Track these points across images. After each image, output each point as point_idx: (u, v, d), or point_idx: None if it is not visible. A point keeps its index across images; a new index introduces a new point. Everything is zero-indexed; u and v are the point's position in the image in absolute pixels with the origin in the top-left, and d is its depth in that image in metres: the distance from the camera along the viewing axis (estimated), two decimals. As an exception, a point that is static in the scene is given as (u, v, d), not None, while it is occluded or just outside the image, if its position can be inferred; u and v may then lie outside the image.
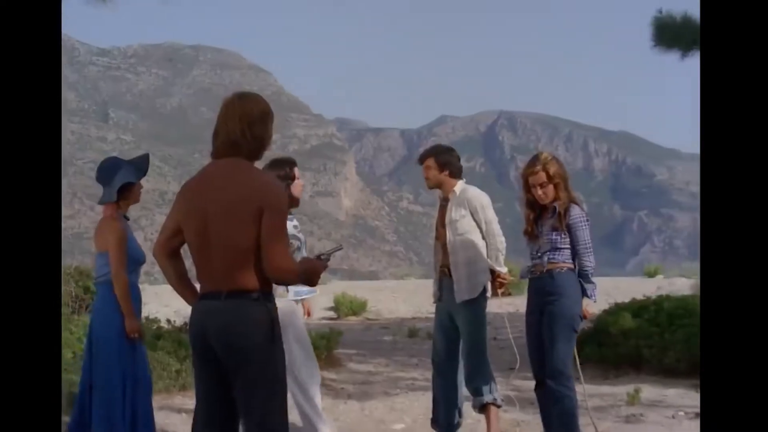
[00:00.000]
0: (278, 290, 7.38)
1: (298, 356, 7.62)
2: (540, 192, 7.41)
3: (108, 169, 7.47)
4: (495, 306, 8.30)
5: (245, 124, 4.98)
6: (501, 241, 8.16)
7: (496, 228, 8.15)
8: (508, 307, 19.01)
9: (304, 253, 7.77)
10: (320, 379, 7.99)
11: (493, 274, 8.15)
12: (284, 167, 7.75)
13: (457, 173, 8.30)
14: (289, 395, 7.61)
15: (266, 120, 5.10)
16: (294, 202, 7.78)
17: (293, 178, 7.74)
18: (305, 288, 7.70)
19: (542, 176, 7.39)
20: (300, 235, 7.73)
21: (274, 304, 5.02)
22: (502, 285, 8.25)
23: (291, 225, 7.63)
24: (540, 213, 7.55)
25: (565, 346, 7.33)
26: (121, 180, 7.35)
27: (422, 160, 8.36)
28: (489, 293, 8.20)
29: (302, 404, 7.65)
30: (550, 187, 7.39)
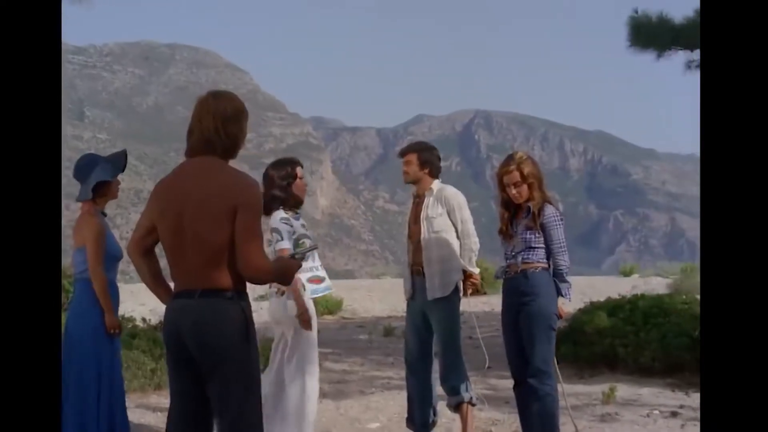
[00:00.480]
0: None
1: (306, 359, 7.60)
2: (514, 191, 7.41)
3: (84, 167, 7.47)
4: (470, 305, 8.30)
5: (219, 122, 4.97)
6: (475, 241, 8.17)
7: (471, 228, 8.15)
8: (484, 306, 19.14)
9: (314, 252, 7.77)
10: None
11: (465, 275, 8.16)
12: (286, 167, 7.78)
13: (435, 173, 8.30)
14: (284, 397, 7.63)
15: (240, 118, 5.09)
16: (298, 201, 7.80)
17: (295, 178, 7.75)
18: (322, 285, 7.74)
19: (516, 175, 7.39)
20: (308, 233, 7.73)
21: (248, 302, 5.01)
22: (473, 285, 8.26)
23: (299, 224, 7.69)
24: (515, 212, 7.55)
25: (546, 346, 7.33)
26: (96, 178, 7.35)
27: (404, 154, 8.35)
28: (462, 293, 8.20)
29: (290, 413, 7.60)
30: (524, 186, 7.39)
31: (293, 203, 7.75)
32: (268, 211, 7.68)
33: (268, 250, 7.49)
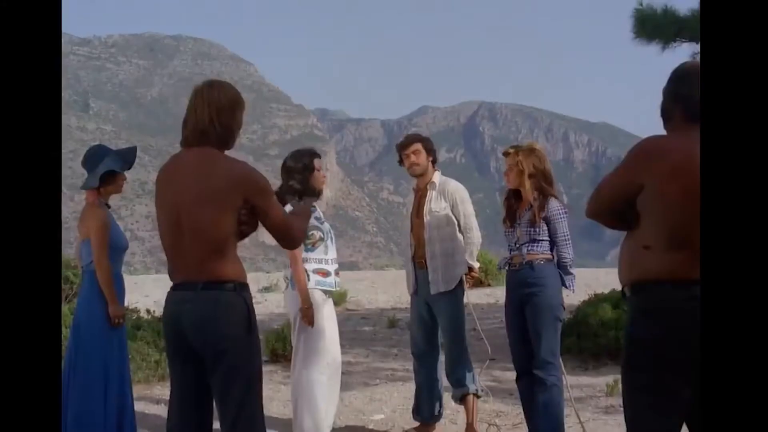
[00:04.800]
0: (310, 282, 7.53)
1: (312, 349, 7.62)
2: (508, 175, 7.45)
3: (94, 156, 7.51)
4: (474, 297, 8.31)
5: (213, 112, 4.94)
6: (477, 235, 8.15)
7: (474, 222, 8.14)
8: (488, 298, 19.12)
9: (330, 243, 7.76)
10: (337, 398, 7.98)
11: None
12: (304, 158, 7.75)
13: (435, 162, 8.30)
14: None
15: (235, 108, 5.06)
16: (316, 193, 7.77)
17: (314, 170, 7.73)
18: (327, 279, 7.73)
19: (511, 160, 7.41)
20: (323, 225, 7.72)
21: (250, 294, 5.02)
22: (473, 279, 8.27)
23: (312, 217, 7.64)
24: (518, 204, 7.55)
25: (552, 336, 7.32)
26: (104, 167, 7.37)
27: (409, 144, 8.28)
28: (467, 285, 8.19)
29: (301, 404, 7.63)
30: (515, 172, 7.40)
31: (310, 195, 7.73)
32: (284, 203, 7.70)
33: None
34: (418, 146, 8.22)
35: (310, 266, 7.58)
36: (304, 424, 7.50)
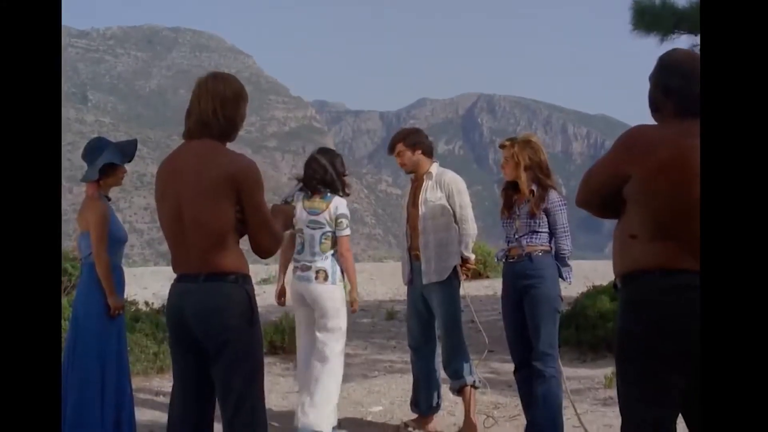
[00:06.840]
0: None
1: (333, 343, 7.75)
2: (505, 168, 7.48)
3: (93, 148, 7.49)
4: (472, 289, 8.30)
5: (217, 104, 4.93)
6: (473, 227, 8.12)
7: (470, 214, 8.11)
8: (486, 290, 19.11)
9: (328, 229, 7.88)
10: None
11: (462, 260, 8.15)
12: (340, 158, 8.21)
13: (429, 151, 8.26)
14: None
15: (238, 101, 5.06)
16: (347, 194, 8.12)
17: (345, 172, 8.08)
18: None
19: (508, 153, 7.43)
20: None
21: (252, 286, 5.02)
22: (468, 270, 8.26)
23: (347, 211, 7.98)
24: (516, 196, 7.55)
25: (551, 328, 7.33)
26: (104, 160, 7.36)
27: (392, 148, 8.34)
28: (463, 276, 8.18)
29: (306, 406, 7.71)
30: (511, 164, 7.42)
31: (343, 194, 8.04)
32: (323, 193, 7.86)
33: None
34: (400, 147, 8.24)
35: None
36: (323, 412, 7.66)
